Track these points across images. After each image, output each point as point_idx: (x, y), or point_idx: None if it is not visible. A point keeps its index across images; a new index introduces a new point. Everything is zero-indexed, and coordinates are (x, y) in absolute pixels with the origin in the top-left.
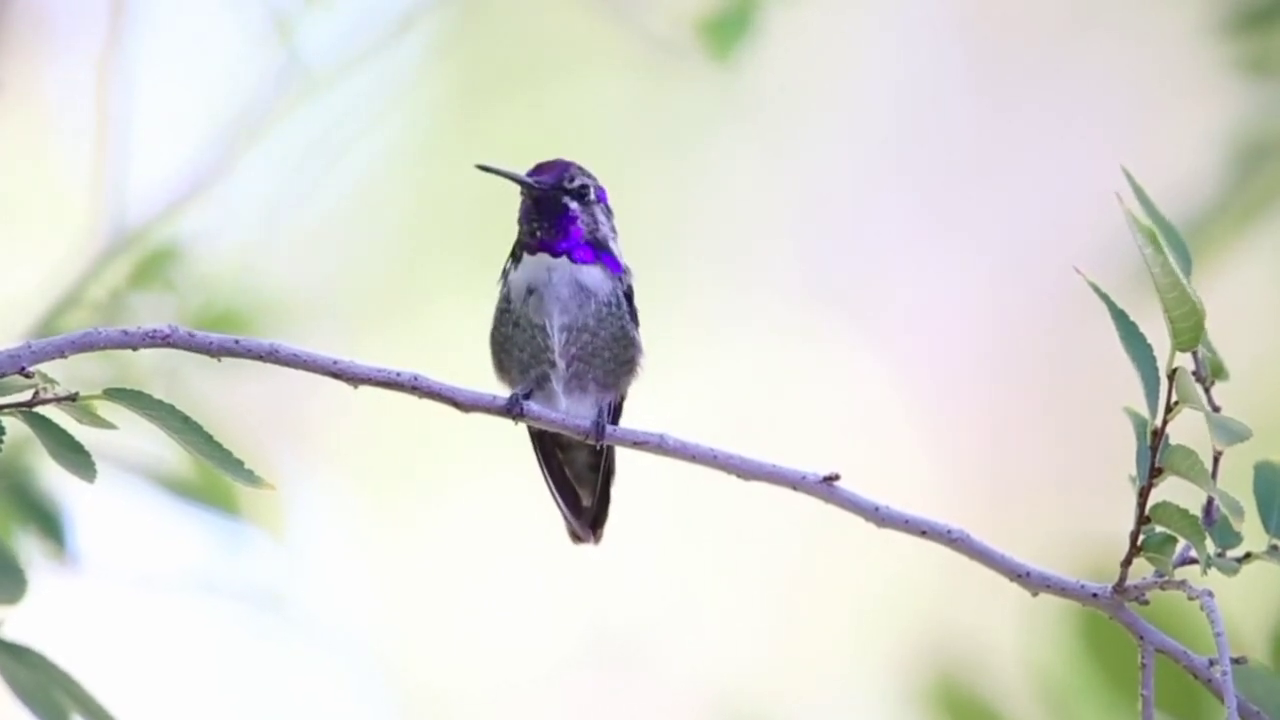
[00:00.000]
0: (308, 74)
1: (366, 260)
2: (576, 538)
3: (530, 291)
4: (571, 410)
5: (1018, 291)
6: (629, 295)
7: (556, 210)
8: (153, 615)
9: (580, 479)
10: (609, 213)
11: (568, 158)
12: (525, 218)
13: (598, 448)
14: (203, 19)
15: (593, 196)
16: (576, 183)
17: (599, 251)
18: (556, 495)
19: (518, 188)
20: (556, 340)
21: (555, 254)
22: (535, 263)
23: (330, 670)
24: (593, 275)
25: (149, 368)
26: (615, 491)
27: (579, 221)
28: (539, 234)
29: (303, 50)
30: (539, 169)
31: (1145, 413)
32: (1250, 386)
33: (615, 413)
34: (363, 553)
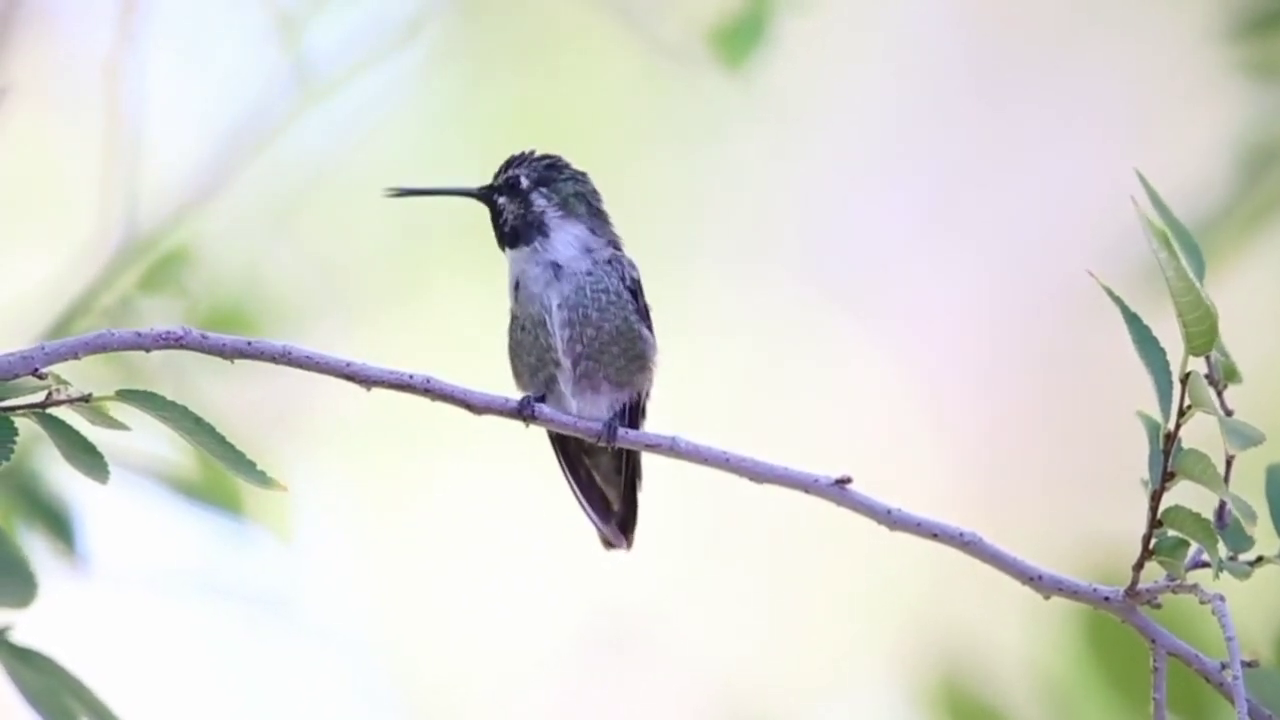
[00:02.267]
0: (315, 76)
1: (375, 261)
2: (608, 544)
3: (516, 288)
4: (584, 412)
5: (1023, 292)
6: (634, 290)
7: (492, 210)
8: (160, 616)
9: (609, 482)
10: (552, 192)
11: (543, 151)
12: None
13: (610, 450)
14: (210, 23)
15: (524, 184)
16: (502, 178)
17: (533, 230)
18: (584, 502)
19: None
20: (558, 337)
21: (512, 246)
22: (509, 261)
23: (336, 669)
24: (554, 253)
25: (156, 370)
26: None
27: (505, 212)
28: (496, 234)
29: (310, 53)
30: None
31: (1157, 416)
32: (1259, 390)
33: (636, 412)
34: (367, 551)
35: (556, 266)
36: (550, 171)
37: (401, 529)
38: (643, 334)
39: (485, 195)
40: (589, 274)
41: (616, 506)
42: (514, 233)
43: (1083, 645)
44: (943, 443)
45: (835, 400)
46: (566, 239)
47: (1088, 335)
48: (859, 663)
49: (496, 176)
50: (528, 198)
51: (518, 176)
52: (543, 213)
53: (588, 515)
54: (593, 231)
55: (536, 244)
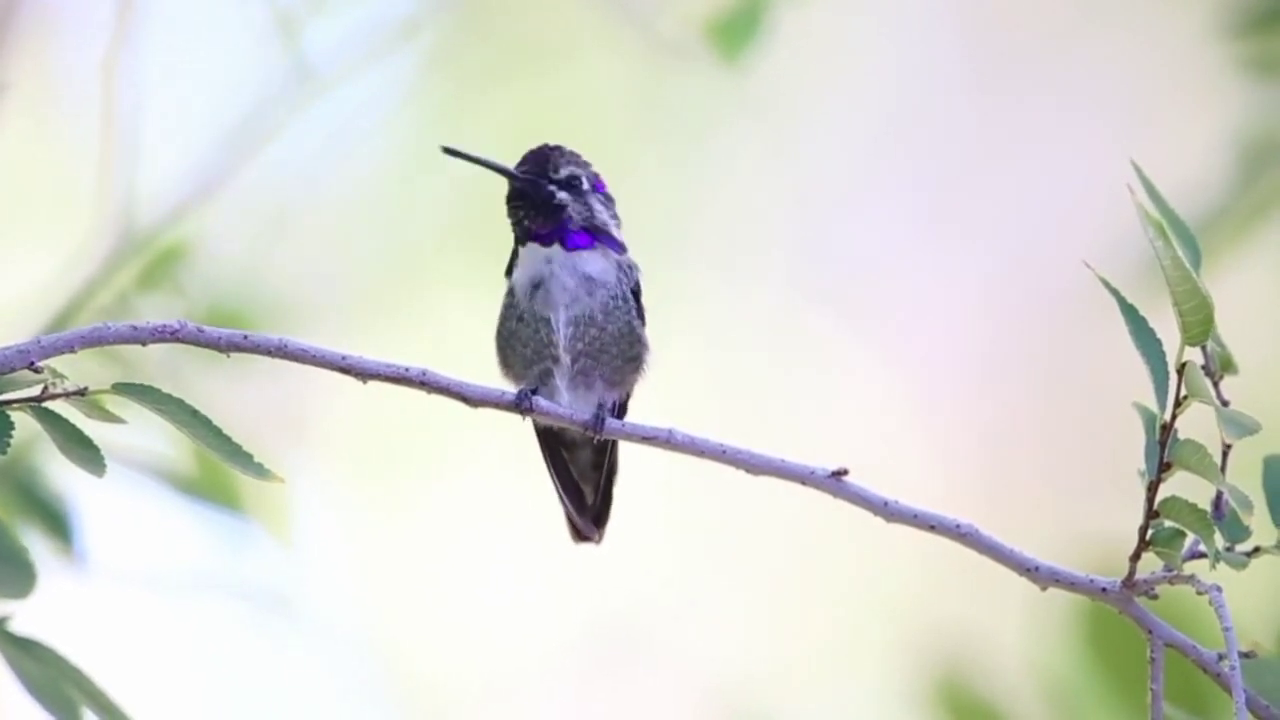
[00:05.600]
0: (313, 75)
1: (373, 259)
2: (579, 537)
3: (536, 286)
4: (575, 407)
5: (1018, 290)
6: (636, 292)
7: (541, 199)
8: (158, 614)
9: (584, 477)
10: (608, 200)
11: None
12: (510, 208)
13: (595, 442)
14: (209, 21)
15: (585, 185)
16: (564, 172)
17: (596, 236)
18: (562, 494)
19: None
20: (561, 335)
21: (546, 243)
22: (530, 254)
23: (333, 666)
24: (595, 263)
25: (153, 373)
26: (617, 482)
27: (568, 209)
28: (525, 223)
29: (308, 51)
30: (525, 158)
31: (1153, 407)
32: (1256, 384)
33: (620, 412)
34: (365, 550)
35: (589, 279)
36: (598, 177)
37: (400, 528)
38: (641, 337)
39: (536, 183)
40: (613, 285)
41: (590, 501)
42: (557, 232)
43: (1080, 640)
44: (938, 442)
45: (830, 399)
46: (606, 251)
47: (1084, 334)
48: (858, 661)
49: (546, 167)
50: (588, 201)
51: (579, 176)
52: (605, 224)
53: (565, 508)
54: (623, 245)
55: (582, 250)
